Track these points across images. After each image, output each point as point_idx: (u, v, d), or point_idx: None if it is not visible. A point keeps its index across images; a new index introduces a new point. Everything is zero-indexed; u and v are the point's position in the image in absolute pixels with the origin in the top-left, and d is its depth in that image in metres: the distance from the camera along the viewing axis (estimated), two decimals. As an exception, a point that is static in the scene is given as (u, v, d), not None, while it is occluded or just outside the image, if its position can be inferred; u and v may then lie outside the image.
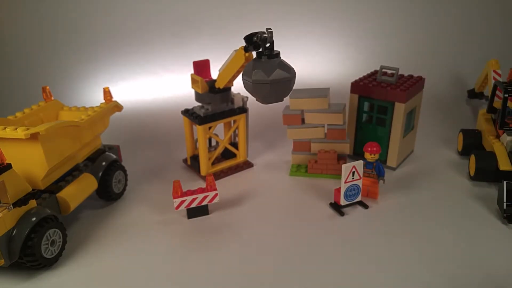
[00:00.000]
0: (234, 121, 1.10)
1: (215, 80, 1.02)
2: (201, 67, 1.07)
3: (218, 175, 1.08)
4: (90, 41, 1.74)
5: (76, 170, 0.90)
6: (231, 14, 1.82)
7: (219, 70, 0.98)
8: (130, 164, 1.10)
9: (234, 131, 1.14)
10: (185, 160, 1.17)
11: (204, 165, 1.06)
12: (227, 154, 1.14)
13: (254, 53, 0.81)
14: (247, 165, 1.14)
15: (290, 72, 0.76)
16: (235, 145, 1.14)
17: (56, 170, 0.84)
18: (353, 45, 1.89)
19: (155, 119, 1.54)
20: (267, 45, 0.76)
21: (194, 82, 1.03)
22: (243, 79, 0.80)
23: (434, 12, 1.89)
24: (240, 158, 1.14)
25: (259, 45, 0.77)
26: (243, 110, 1.07)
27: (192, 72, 1.06)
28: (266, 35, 0.75)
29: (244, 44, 0.81)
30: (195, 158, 1.11)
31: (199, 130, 1.02)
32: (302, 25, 1.88)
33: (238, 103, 1.06)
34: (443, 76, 1.77)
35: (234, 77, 0.97)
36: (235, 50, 0.89)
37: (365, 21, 1.90)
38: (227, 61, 0.94)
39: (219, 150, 1.12)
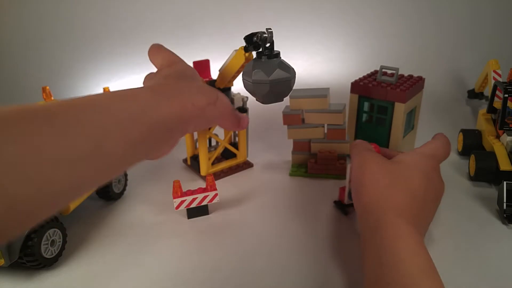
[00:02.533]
0: None
1: (215, 80, 1.02)
2: (201, 67, 1.08)
3: (218, 175, 1.08)
4: (90, 41, 1.74)
5: (76, 170, 0.90)
6: (231, 14, 1.82)
7: (219, 70, 0.98)
8: (130, 164, 1.10)
9: (234, 131, 1.14)
10: (185, 160, 1.17)
11: (204, 165, 1.06)
12: (227, 154, 1.14)
13: (254, 53, 0.81)
14: (247, 165, 1.14)
15: (290, 72, 0.76)
16: (235, 145, 1.14)
17: (56, 170, 0.84)
18: (353, 45, 1.89)
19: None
20: (267, 45, 0.76)
21: None
22: (243, 79, 0.80)
23: (434, 12, 1.89)
24: (240, 158, 1.14)
25: (259, 45, 0.77)
26: (243, 110, 1.07)
27: None
28: (266, 35, 0.75)
29: (244, 44, 0.82)
30: (195, 158, 1.11)
31: (199, 130, 1.02)
32: (302, 25, 1.88)
33: (238, 103, 1.06)
34: (443, 76, 1.77)
35: (234, 77, 0.97)
36: (235, 50, 0.89)
37: (365, 21, 1.90)
38: (227, 61, 0.94)
39: (219, 150, 1.12)
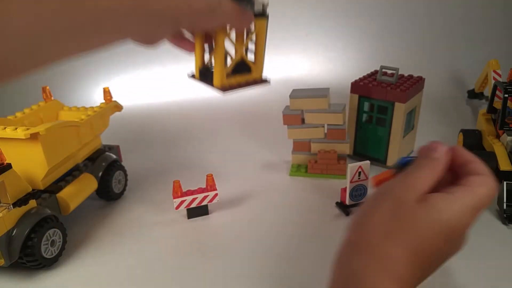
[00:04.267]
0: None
1: None
2: None
3: (230, 88, 0.86)
4: (90, 41, 1.73)
5: (76, 170, 0.90)
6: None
7: None
8: (130, 164, 1.10)
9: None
10: (192, 75, 0.97)
11: (219, 75, 0.86)
12: (240, 68, 0.89)
13: None
14: (262, 82, 0.90)
15: None
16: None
17: (56, 170, 0.84)
18: (353, 45, 1.89)
19: (155, 119, 1.54)
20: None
21: None
22: None
23: (434, 13, 1.89)
24: (255, 74, 0.90)
25: None
26: (263, 14, 0.85)
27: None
28: None
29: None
30: (204, 72, 0.90)
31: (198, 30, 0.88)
32: (302, 25, 1.88)
33: (258, 7, 0.85)
34: (443, 76, 1.77)
35: None
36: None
37: (365, 21, 1.90)
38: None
39: (236, 60, 0.87)
